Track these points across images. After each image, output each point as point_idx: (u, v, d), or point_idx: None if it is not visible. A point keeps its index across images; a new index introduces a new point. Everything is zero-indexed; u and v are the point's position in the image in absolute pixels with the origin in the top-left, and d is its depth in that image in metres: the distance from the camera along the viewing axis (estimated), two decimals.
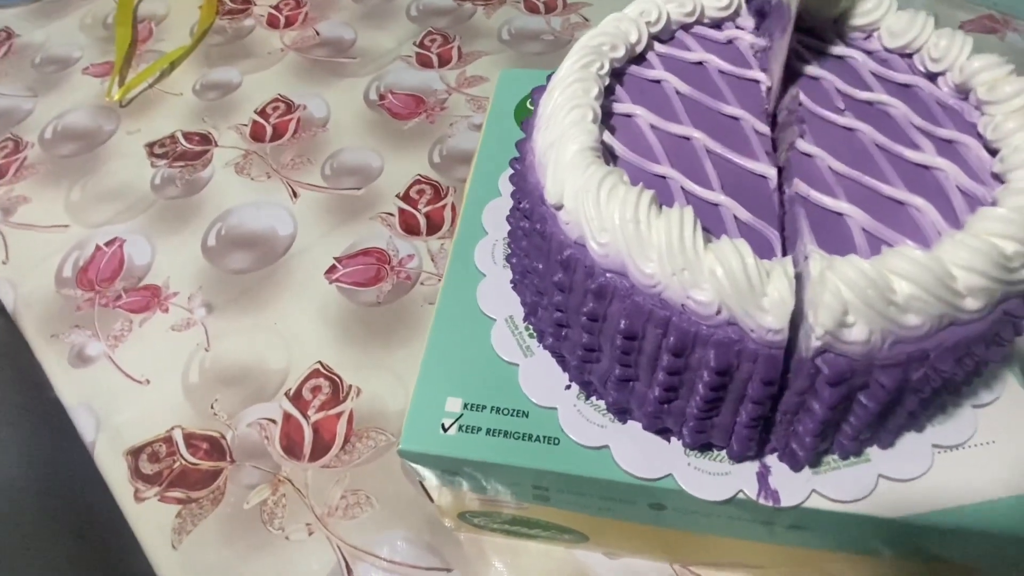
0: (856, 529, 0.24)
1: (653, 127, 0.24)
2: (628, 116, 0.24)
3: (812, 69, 0.25)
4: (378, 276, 0.50)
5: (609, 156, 0.23)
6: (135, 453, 0.42)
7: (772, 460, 0.24)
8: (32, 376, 0.47)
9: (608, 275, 0.20)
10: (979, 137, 0.23)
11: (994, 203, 0.20)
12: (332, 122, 0.62)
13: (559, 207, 0.22)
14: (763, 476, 0.23)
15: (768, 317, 0.18)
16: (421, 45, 0.69)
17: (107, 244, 0.53)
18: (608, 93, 0.25)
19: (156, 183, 0.58)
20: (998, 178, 0.21)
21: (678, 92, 0.25)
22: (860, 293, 0.17)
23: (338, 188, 0.56)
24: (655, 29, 0.26)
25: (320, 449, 0.41)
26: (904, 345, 0.18)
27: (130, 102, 0.65)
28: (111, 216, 0.55)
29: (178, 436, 0.42)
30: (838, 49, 0.26)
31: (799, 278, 0.20)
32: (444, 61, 0.67)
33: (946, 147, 0.22)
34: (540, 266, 0.23)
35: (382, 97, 0.63)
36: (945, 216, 0.20)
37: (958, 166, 0.21)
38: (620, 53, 0.25)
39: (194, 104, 0.65)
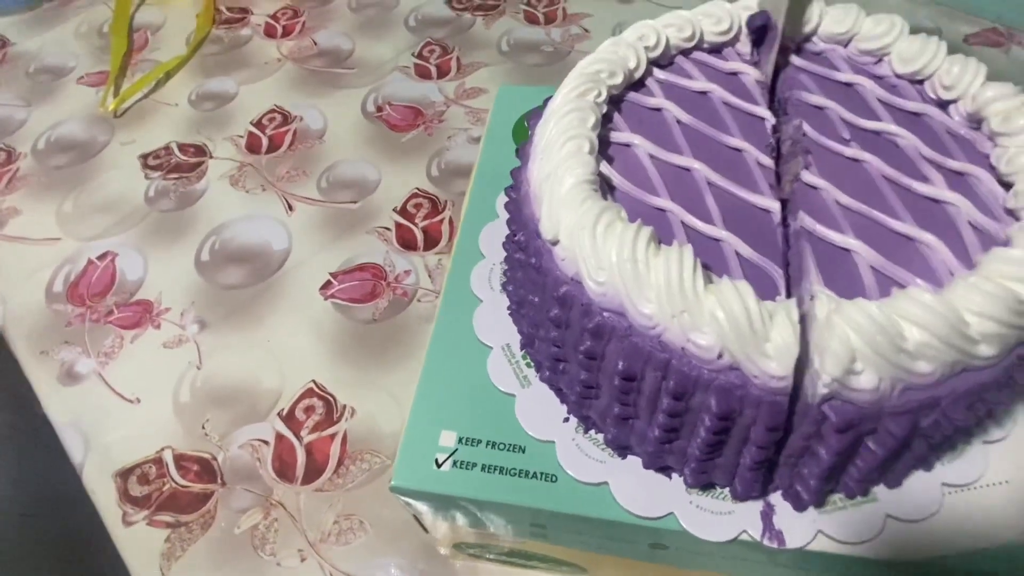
0: (862, 571, 0.23)
1: (652, 157, 0.23)
2: (626, 145, 0.24)
3: (817, 98, 0.24)
4: (374, 292, 0.49)
5: (607, 187, 0.23)
6: (124, 475, 0.41)
7: (776, 498, 0.23)
8: (21, 393, 0.46)
9: (606, 314, 0.20)
10: (992, 169, 0.22)
11: (1007, 241, 0.19)
12: (329, 134, 0.61)
13: (555, 242, 0.21)
14: (767, 516, 0.22)
15: (772, 363, 0.17)
16: (420, 56, 0.68)
17: (99, 258, 0.53)
18: (606, 121, 0.24)
19: (150, 195, 0.57)
20: (1012, 214, 0.20)
21: (679, 121, 0.24)
22: (869, 340, 0.17)
23: (334, 201, 0.55)
24: (654, 54, 0.26)
25: (313, 472, 0.40)
26: (914, 392, 0.17)
27: (124, 112, 0.65)
28: (104, 229, 0.55)
29: (168, 457, 0.42)
30: (845, 76, 0.25)
31: (804, 319, 0.19)
32: (443, 72, 0.66)
33: (957, 180, 0.22)
34: (536, 299, 0.23)
35: (380, 109, 0.63)
36: (956, 254, 0.20)
37: (969, 200, 0.21)
38: (618, 80, 0.24)
39: (190, 115, 0.64)
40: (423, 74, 0.66)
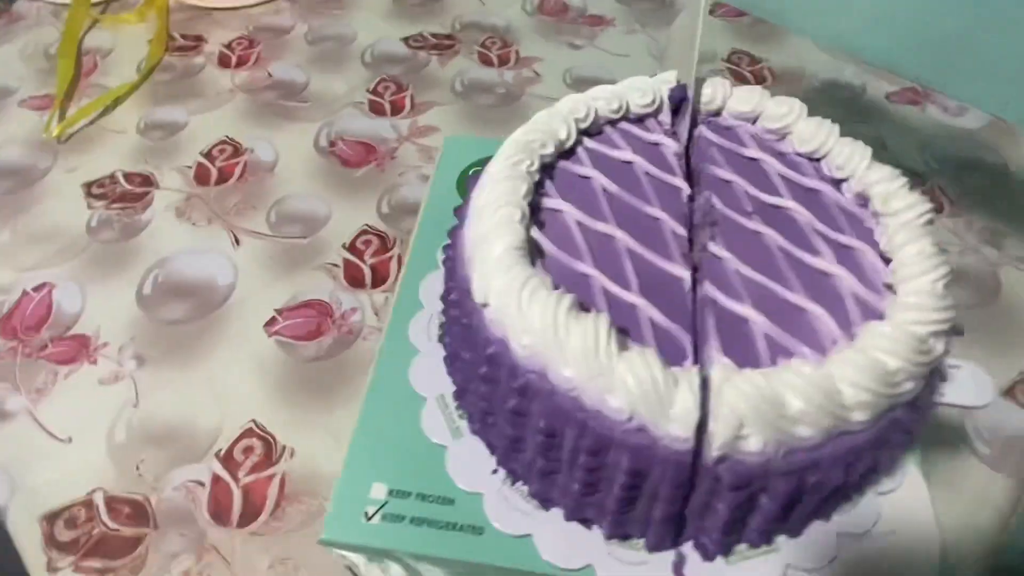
0: None
1: (580, 224, 0.25)
2: (557, 211, 0.25)
3: (725, 172, 0.27)
4: (319, 330, 0.49)
5: (537, 252, 0.24)
6: (51, 518, 0.40)
7: (689, 548, 0.24)
8: None
9: (530, 375, 0.21)
10: (875, 245, 0.24)
11: (883, 316, 0.22)
12: (280, 167, 0.61)
13: (485, 305, 0.22)
14: (678, 566, 0.24)
15: (674, 426, 0.19)
16: (374, 92, 0.69)
17: (35, 289, 0.51)
18: (539, 188, 0.26)
19: (92, 225, 0.56)
20: (890, 288, 0.23)
21: (605, 190, 0.26)
22: (755, 407, 0.18)
23: (283, 236, 0.56)
24: (584, 125, 0.28)
25: (249, 514, 0.40)
26: (798, 454, 0.19)
27: (69, 138, 0.64)
28: (41, 260, 0.53)
29: (99, 499, 0.41)
30: (752, 152, 0.28)
31: (707, 382, 0.21)
32: (397, 109, 0.67)
33: (845, 253, 0.24)
34: (468, 356, 0.24)
35: (332, 143, 0.63)
36: (840, 324, 0.22)
37: (853, 274, 0.23)
38: (549, 150, 0.26)
39: (137, 143, 0.63)
40: (377, 110, 0.67)
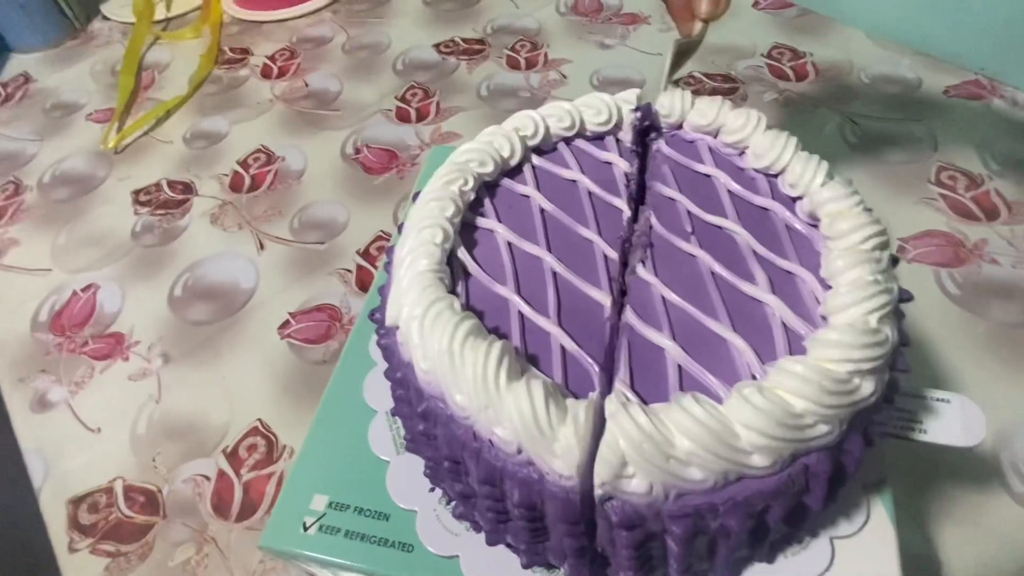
0: None
1: (510, 244, 0.24)
2: (489, 231, 0.25)
3: (670, 190, 0.25)
4: (328, 334, 0.51)
5: (463, 273, 0.24)
6: (76, 502, 0.44)
7: None
8: (1, 416, 0.50)
9: (431, 400, 0.21)
10: (818, 270, 0.23)
11: (805, 351, 0.20)
12: (307, 175, 0.64)
13: (395, 327, 0.22)
14: None
15: (558, 462, 0.19)
16: (402, 99, 0.71)
17: (83, 290, 0.56)
18: (477, 206, 0.26)
19: (136, 230, 0.61)
20: (826, 319, 0.21)
21: (542, 210, 0.25)
22: (636, 447, 0.18)
23: (303, 241, 0.58)
24: (533, 142, 0.27)
25: (248, 510, 0.42)
26: (691, 497, 0.18)
27: (124, 149, 0.69)
28: (90, 262, 0.58)
29: (119, 488, 0.44)
30: (705, 167, 0.26)
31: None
32: (422, 116, 0.69)
33: (783, 279, 0.22)
34: (389, 375, 0.24)
35: (358, 151, 0.65)
36: (762, 357, 0.20)
37: (786, 303, 0.21)
38: (488, 168, 0.26)
39: (182, 152, 0.68)
40: (403, 117, 0.68)
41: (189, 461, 0.45)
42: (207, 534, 0.41)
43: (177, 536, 0.42)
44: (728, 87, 0.65)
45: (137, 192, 0.64)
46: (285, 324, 0.52)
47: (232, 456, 0.45)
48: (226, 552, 0.41)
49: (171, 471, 0.44)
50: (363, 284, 0.54)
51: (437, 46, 0.77)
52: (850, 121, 0.59)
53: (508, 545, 0.25)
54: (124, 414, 0.47)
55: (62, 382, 0.50)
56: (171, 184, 0.64)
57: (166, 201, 0.63)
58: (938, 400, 0.26)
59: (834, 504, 0.22)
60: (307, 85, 0.74)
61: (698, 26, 0.31)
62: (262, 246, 0.58)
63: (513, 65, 0.73)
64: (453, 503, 0.26)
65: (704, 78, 0.67)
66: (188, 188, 0.64)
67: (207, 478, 0.44)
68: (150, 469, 0.45)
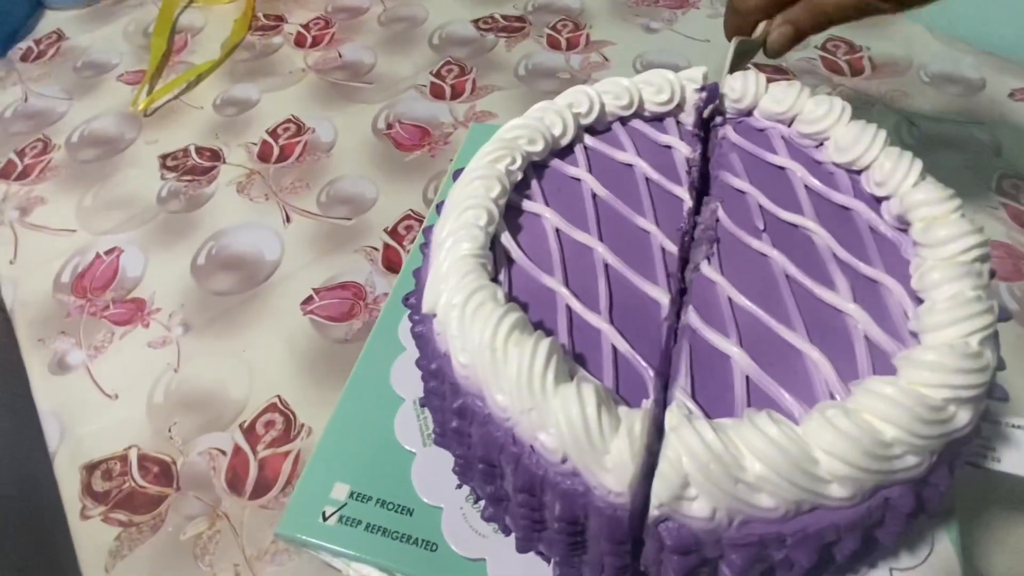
0: None
1: (558, 231, 0.22)
2: (536, 216, 0.23)
3: (740, 181, 0.23)
4: (351, 312, 0.50)
5: (505, 260, 0.22)
6: (91, 468, 0.43)
7: None
8: (19, 376, 0.49)
9: (468, 397, 0.19)
10: (907, 281, 0.20)
11: (896, 371, 0.18)
12: (337, 148, 0.62)
13: (433, 315, 0.21)
14: None
15: (608, 477, 0.17)
16: (437, 75, 0.68)
17: (107, 252, 0.55)
18: (523, 187, 0.24)
19: (162, 195, 0.59)
20: (917, 336, 0.19)
21: (594, 195, 0.23)
22: (702, 467, 0.16)
23: (330, 216, 0.56)
24: (587, 120, 0.25)
25: (262, 487, 0.41)
26: (757, 525, 0.16)
27: (154, 112, 0.68)
28: (115, 225, 0.57)
29: (133, 456, 0.43)
30: (778, 158, 0.24)
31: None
32: (457, 93, 0.66)
33: (866, 287, 0.20)
34: (422, 363, 0.22)
35: (389, 126, 0.63)
36: (842, 374, 0.18)
37: (871, 314, 0.19)
38: (538, 147, 0.24)
39: (212, 119, 0.66)
40: (437, 94, 0.66)
41: (205, 434, 0.44)
42: (220, 510, 0.40)
43: (190, 510, 0.41)
44: (778, 79, 0.62)
45: (165, 157, 0.63)
46: (308, 300, 0.50)
47: (249, 431, 0.44)
48: (239, 529, 0.40)
49: (186, 443, 0.43)
50: (389, 263, 0.52)
51: (476, 22, 0.75)
52: (907, 121, 0.55)
53: (539, 553, 0.23)
54: (142, 382, 0.47)
55: (81, 345, 0.49)
56: (199, 150, 0.63)
57: (193, 167, 0.61)
58: (1014, 427, 0.23)
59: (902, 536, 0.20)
60: (341, 56, 0.72)
61: (760, 27, 0.29)
62: (288, 218, 0.56)
63: (553, 45, 0.71)
64: (482, 502, 0.24)
65: (753, 67, 0.64)
66: (216, 155, 0.62)
67: (223, 452, 0.43)
68: (165, 440, 0.44)
